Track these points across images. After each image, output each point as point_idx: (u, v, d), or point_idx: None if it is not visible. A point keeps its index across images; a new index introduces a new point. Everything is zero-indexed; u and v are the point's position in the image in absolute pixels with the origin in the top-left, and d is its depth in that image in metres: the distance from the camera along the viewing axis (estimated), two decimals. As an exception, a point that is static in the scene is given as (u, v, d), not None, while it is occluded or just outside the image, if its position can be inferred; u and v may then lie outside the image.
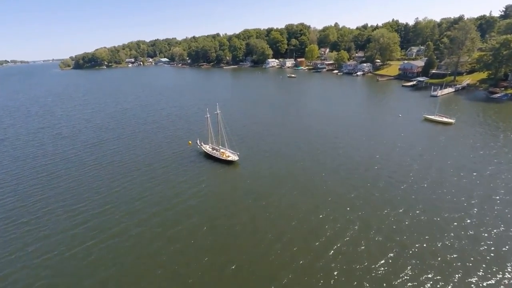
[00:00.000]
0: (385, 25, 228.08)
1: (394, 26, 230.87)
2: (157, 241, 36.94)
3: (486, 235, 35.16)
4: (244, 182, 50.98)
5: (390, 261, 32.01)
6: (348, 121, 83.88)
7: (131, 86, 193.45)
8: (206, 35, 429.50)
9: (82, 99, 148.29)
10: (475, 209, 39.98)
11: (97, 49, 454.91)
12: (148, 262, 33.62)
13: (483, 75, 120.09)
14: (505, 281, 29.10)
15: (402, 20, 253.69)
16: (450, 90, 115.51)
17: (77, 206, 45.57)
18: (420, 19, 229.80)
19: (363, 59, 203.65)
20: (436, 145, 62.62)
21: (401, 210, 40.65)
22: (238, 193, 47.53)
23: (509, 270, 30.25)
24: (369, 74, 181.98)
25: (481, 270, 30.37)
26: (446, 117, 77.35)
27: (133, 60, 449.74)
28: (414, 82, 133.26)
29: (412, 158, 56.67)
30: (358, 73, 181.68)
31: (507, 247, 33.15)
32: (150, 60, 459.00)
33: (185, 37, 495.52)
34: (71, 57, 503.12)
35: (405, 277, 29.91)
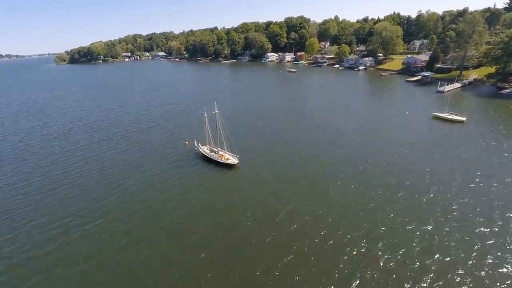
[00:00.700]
0: (387, 18, 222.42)
1: (396, 19, 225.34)
2: (151, 263, 33.16)
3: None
4: (245, 188, 47.06)
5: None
6: (353, 119, 79.87)
7: (127, 81, 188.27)
8: (203, 28, 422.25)
9: (76, 96, 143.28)
10: (499, 221, 36.37)
11: (92, 43, 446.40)
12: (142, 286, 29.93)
13: (491, 69, 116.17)
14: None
15: (404, 13, 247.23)
16: (457, 85, 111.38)
17: (59, 222, 41.35)
18: (423, 11, 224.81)
19: (365, 53, 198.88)
20: (449, 145, 58.77)
21: (429, 227, 36.90)
22: (238, 201, 43.62)
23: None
24: (371, 68, 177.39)
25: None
26: (456, 115, 73.47)
27: (129, 54, 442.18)
28: (419, 77, 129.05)
29: (425, 160, 52.85)
30: (360, 67, 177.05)
31: (541, 266, 29.63)
32: (147, 54, 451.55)
33: (182, 31, 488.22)
34: (66, 52, 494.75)
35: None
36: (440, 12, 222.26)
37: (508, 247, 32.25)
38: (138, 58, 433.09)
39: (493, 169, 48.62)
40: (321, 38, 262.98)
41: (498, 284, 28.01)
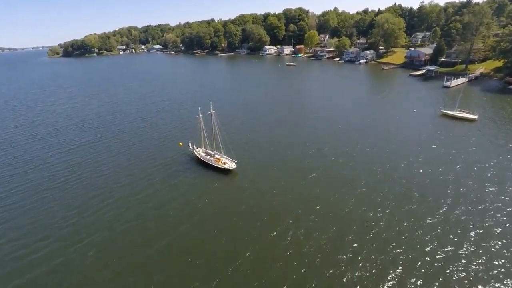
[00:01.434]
0: (388, 10, 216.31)
1: (398, 10, 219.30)
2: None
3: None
4: (244, 198, 42.80)
5: None
6: (358, 117, 75.58)
7: (121, 76, 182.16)
8: (200, 20, 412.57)
9: (67, 91, 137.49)
10: (529, 237, 32.52)
11: (86, 36, 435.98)
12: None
13: (498, 63, 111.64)
14: None
15: (406, 4, 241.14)
16: (463, 80, 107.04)
17: (36, 243, 37.06)
18: (426, 3, 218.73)
19: (365, 46, 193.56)
20: (462, 146, 54.70)
21: (448, 248, 33.00)
22: (237, 213, 39.47)
23: None
24: (373, 62, 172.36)
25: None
26: (467, 113, 69.36)
27: (124, 47, 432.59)
28: (423, 71, 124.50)
29: (438, 163, 48.82)
30: (361, 61, 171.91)
31: None
32: (143, 47, 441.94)
33: (178, 23, 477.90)
34: (59, 45, 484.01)
35: None
36: (442, 4, 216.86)
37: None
38: (134, 51, 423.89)
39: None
40: (320, 30, 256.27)
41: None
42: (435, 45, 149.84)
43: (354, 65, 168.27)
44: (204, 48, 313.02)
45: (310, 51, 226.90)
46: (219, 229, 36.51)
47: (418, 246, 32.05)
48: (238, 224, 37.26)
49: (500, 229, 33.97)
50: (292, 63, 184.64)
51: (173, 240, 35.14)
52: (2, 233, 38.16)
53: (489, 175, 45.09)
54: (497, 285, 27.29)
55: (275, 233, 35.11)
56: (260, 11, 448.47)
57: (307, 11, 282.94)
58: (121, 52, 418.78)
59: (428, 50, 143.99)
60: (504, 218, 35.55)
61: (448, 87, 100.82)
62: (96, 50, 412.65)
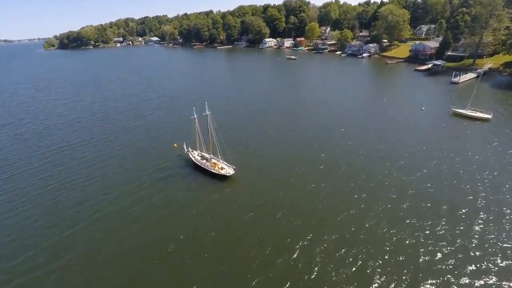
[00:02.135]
0: (392, 1, 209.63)
1: (402, 2, 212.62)
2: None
3: None
4: (243, 210, 39.02)
5: None
6: (364, 116, 71.62)
7: (117, 70, 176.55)
8: (198, 12, 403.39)
9: (60, 86, 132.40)
10: None
11: (82, 27, 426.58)
12: None
13: (508, 57, 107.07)
14: None
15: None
16: (471, 75, 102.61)
17: (13, 268, 33.30)
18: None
19: (368, 39, 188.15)
20: (479, 150, 50.84)
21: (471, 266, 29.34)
22: (235, 226, 35.75)
23: None
24: (376, 55, 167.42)
25: None
26: (481, 112, 65.33)
27: (121, 39, 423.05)
28: (429, 66, 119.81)
29: (454, 170, 45.04)
30: (364, 54, 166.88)
31: None
32: (140, 39, 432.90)
33: (176, 15, 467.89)
34: (55, 36, 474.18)
35: None
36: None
37: None
38: (131, 43, 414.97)
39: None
40: (321, 22, 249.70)
41: None
42: (440, 38, 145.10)
43: (357, 59, 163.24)
44: (202, 41, 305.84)
45: (311, 44, 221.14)
46: (215, 252, 32.74)
47: (438, 267, 28.43)
48: (237, 246, 33.30)
49: (529, 249, 30.33)
50: (293, 57, 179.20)
51: (161, 268, 31.40)
52: (-26, 250, 34.43)
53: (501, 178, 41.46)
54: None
55: (279, 259, 30.87)
56: (260, 2, 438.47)
57: (308, 3, 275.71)
58: (118, 45, 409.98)
59: (434, 44, 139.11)
60: (533, 236, 31.92)
61: (456, 83, 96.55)
62: (92, 42, 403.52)
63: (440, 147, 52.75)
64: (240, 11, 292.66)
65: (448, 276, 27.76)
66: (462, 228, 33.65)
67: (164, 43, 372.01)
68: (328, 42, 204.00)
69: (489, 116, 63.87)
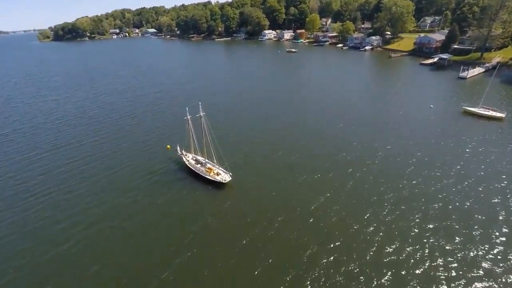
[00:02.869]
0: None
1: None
2: None
3: None
4: (242, 223, 35.50)
5: None
6: (370, 113, 67.70)
7: (112, 63, 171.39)
8: (196, 3, 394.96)
9: (51, 81, 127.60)
10: None
11: (78, 19, 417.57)
12: None
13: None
14: None
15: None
16: (480, 70, 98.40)
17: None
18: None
19: (370, 31, 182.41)
20: (496, 154, 47.24)
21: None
22: (234, 248, 32.25)
23: None
24: (379, 48, 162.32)
25: None
26: (493, 111, 61.46)
27: (118, 31, 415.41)
28: (435, 60, 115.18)
29: (470, 178, 41.50)
30: (366, 47, 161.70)
31: None
32: (137, 31, 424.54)
33: (174, 5, 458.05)
34: (50, 28, 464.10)
35: None
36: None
37: None
38: (127, 35, 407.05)
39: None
40: (322, 14, 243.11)
41: None
42: (445, 31, 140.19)
43: (359, 52, 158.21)
44: (200, 32, 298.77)
45: (312, 36, 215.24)
46: (215, 278, 29.29)
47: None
48: (235, 266, 29.93)
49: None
50: (293, 50, 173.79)
51: None
52: None
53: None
54: None
55: (277, 267, 27.89)
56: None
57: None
58: (114, 36, 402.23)
59: (439, 36, 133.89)
60: None
61: (464, 78, 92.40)
62: (88, 34, 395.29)
63: (456, 151, 49.09)
64: (239, 2, 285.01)
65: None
66: (498, 251, 30.24)
67: (161, 35, 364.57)
68: (329, 35, 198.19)
69: (503, 115, 60.07)
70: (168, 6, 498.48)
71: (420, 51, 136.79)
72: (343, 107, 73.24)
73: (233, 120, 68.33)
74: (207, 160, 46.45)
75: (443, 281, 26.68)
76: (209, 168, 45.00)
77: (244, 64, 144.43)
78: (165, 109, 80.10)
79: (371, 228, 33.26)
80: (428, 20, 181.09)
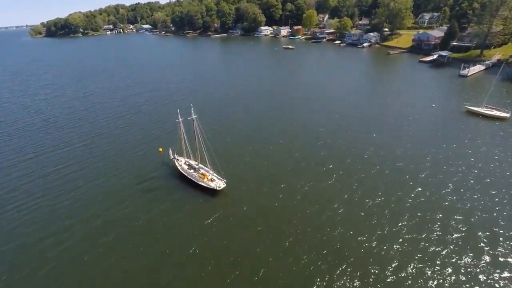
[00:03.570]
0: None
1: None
2: None
3: None
4: (237, 236, 33.16)
5: None
6: (370, 113, 65.48)
7: (105, 60, 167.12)
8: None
9: (41, 79, 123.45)
10: None
11: (70, 14, 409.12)
12: None
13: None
14: None
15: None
16: (480, 67, 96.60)
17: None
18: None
19: (368, 27, 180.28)
20: (502, 156, 45.30)
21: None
22: (228, 263, 29.91)
23: None
24: (377, 45, 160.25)
25: None
26: (497, 110, 59.55)
27: (111, 27, 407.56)
28: (434, 57, 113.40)
29: (475, 183, 39.52)
30: (364, 44, 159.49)
31: None
32: (131, 27, 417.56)
33: (168, 1, 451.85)
34: (42, 23, 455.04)
35: None
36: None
37: None
38: (121, 31, 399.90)
39: None
40: (319, 10, 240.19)
41: None
42: (445, 27, 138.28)
43: (357, 49, 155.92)
44: (195, 29, 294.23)
45: (309, 32, 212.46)
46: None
47: None
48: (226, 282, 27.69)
49: None
50: (290, 46, 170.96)
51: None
52: None
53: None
54: None
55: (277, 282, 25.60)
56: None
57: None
58: (108, 32, 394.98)
59: (438, 33, 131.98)
60: None
61: (465, 76, 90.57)
62: (81, 30, 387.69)
63: (462, 155, 47.07)
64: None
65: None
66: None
67: (156, 31, 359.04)
68: (327, 31, 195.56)
69: (507, 115, 58.21)
70: (163, 1, 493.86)
71: (418, 48, 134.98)
72: (343, 107, 71.00)
73: (228, 121, 65.67)
74: (200, 165, 43.94)
75: None
76: (202, 174, 42.49)
77: (240, 62, 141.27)
78: (158, 109, 77.17)
79: (375, 242, 31.10)
80: (427, 16, 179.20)
